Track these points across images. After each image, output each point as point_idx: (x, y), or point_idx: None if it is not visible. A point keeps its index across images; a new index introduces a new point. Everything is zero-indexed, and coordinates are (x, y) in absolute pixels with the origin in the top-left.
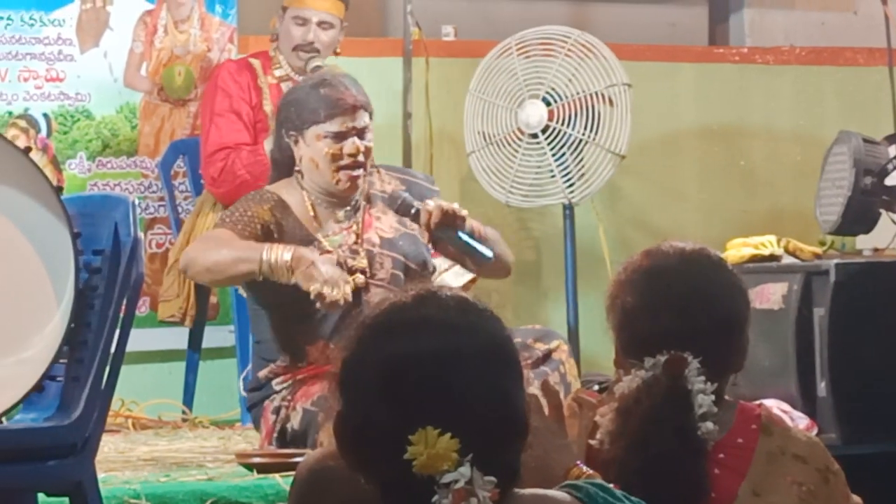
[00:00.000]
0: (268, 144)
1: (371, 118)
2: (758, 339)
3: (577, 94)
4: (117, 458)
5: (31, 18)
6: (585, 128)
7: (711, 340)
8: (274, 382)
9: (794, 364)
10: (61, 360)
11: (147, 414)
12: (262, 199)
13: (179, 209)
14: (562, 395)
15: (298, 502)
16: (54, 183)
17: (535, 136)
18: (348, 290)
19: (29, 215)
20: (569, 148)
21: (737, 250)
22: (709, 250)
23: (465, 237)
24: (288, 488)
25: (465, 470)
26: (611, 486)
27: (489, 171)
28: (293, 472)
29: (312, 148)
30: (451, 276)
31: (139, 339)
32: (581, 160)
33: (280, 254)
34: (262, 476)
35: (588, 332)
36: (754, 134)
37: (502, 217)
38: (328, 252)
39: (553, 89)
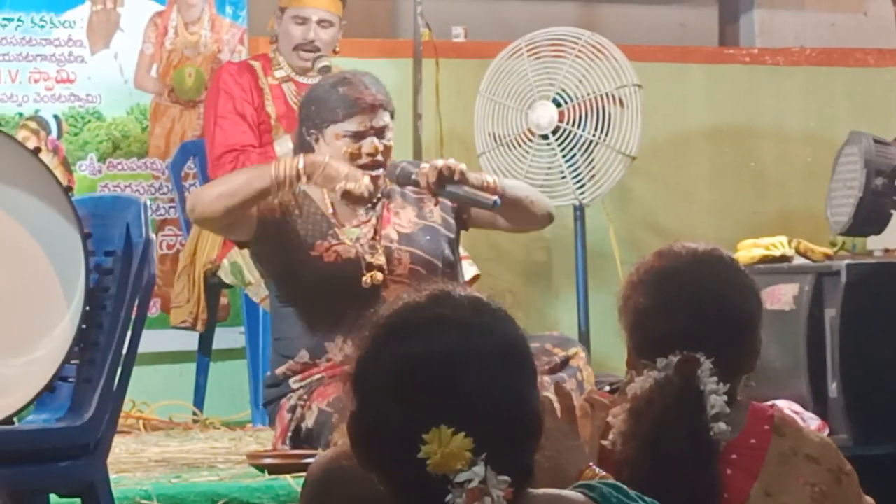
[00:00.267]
0: (278, 146)
1: (392, 117)
2: (769, 340)
3: (588, 95)
4: (128, 460)
5: (41, 20)
6: (596, 129)
7: (724, 341)
8: (291, 381)
9: (805, 365)
10: (73, 361)
11: (158, 415)
12: None
13: None
14: (576, 401)
15: (310, 502)
16: (64, 184)
17: (545, 137)
18: (368, 180)
19: (39, 217)
20: (579, 149)
21: (747, 251)
22: (721, 251)
23: (460, 190)
24: (299, 489)
25: (479, 469)
26: (624, 486)
27: (500, 172)
28: (305, 473)
29: (332, 147)
30: None
31: (150, 341)
32: (591, 161)
33: (292, 163)
34: (273, 477)
35: (599, 333)
36: (765, 135)
37: None
38: (344, 244)
39: (563, 90)
